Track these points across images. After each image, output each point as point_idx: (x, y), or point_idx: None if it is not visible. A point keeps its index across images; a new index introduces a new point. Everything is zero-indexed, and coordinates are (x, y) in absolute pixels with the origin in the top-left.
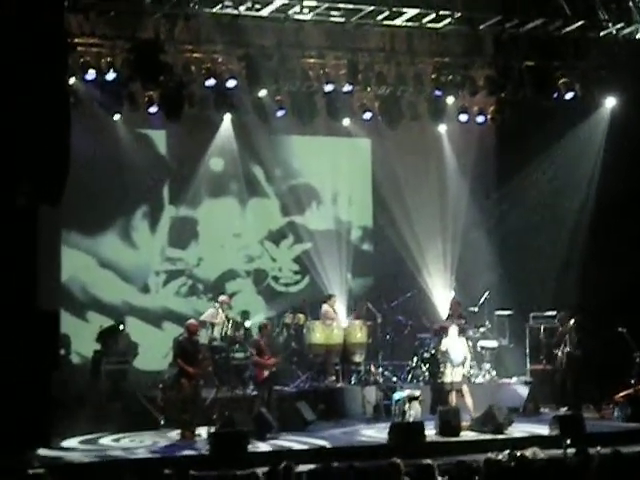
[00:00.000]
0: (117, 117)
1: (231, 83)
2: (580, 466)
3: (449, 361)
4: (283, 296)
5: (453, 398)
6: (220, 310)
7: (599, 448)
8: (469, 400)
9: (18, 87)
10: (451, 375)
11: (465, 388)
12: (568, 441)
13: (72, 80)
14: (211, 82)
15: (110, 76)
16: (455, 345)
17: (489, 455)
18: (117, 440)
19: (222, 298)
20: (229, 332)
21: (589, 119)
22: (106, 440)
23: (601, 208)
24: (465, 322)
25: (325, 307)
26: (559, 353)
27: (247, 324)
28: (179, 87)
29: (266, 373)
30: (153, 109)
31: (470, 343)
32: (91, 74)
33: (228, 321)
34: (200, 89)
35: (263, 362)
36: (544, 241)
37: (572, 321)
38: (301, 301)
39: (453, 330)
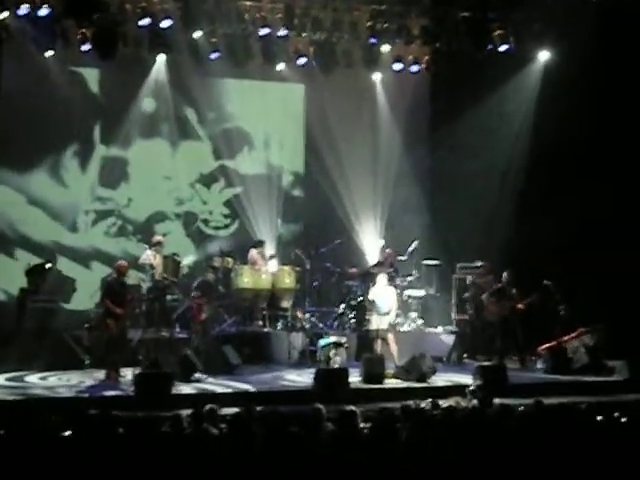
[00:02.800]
0: (50, 54)
1: (166, 23)
2: (502, 416)
3: (376, 309)
4: (212, 239)
5: (378, 346)
6: (155, 251)
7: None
8: (394, 348)
9: None
10: (377, 323)
11: (390, 336)
12: (471, 388)
13: (4, 14)
14: (146, 21)
15: (43, 12)
16: (383, 293)
17: (408, 402)
18: (44, 378)
19: (157, 239)
20: (167, 273)
21: (522, 71)
22: (31, 378)
23: (532, 160)
24: (394, 271)
25: (252, 252)
26: (492, 306)
27: (183, 266)
28: (113, 25)
29: (204, 315)
30: (86, 47)
31: (398, 292)
32: (24, 9)
33: (165, 261)
34: (134, 28)
35: (204, 303)
36: (474, 192)
37: (506, 275)
38: (229, 246)
39: (381, 278)
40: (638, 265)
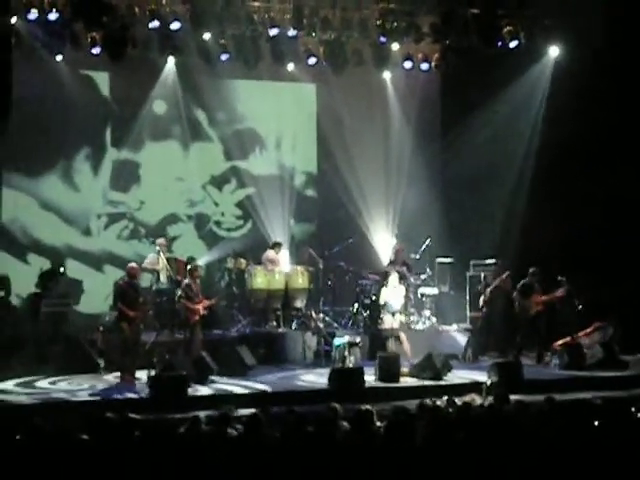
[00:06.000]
0: (60, 58)
1: (175, 25)
2: (517, 413)
3: (387, 308)
4: (225, 241)
5: (391, 344)
6: (161, 254)
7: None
8: (407, 346)
9: None
10: (390, 322)
11: (402, 335)
12: (487, 385)
13: (14, 20)
14: (155, 24)
15: (52, 16)
16: (394, 292)
17: (424, 400)
18: (54, 383)
19: (159, 241)
20: (173, 274)
21: (533, 67)
22: (43, 383)
23: (544, 157)
24: (407, 269)
25: (269, 253)
26: (522, 303)
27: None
28: (122, 28)
29: (196, 317)
30: (96, 50)
31: (411, 290)
32: (33, 13)
33: (171, 263)
34: (144, 31)
35: (192, 306)
36: (487, 189)
37: (532, 271)
38: (242, 247)
39: (393, 277)
40: None
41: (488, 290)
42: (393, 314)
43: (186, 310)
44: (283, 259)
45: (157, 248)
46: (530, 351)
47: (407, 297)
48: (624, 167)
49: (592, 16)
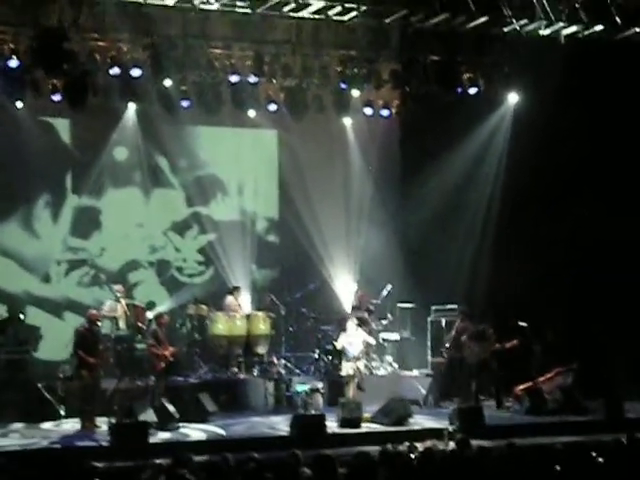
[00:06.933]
0: (20, 104)
1: (136, 72)
2: (479, 458)
3: (345, 356)
4: (187, 287)
5: (349, 390)
6: (119, 301)
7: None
8: (352, 393)
9: None
10: (348, 368)
11: (353, 381)
12: (450, 429)
13: None
14: (115, 71)
15: (13, 63)
16: (353, 338)
17: (386, 446)
18: (5, 435)
19: (116, 288)
20: (132, 321)
21: (493, 114)
22: None
23: (505, 203)
24: (369, 314)
25: (229, 299)
26: (472, 348)
27: (149, 314)
28: (83, 75)
29: (162, 364)
30: (57, 97)
31: (372, 335)
32: None
33: (129, 309)
34: (104, 78)
35: (159, 353)
36: (448, 235)
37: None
38: (204, 293)
39: (351, 323)
40: (611, 306)
41: (450, 336)
42: (351, 360)
43: (152, 357)
44: (244, 304)
45: (117, 295)
46: (489, 396)
47: (368, 343)
48: (585, 209)
49: (549, 62)
